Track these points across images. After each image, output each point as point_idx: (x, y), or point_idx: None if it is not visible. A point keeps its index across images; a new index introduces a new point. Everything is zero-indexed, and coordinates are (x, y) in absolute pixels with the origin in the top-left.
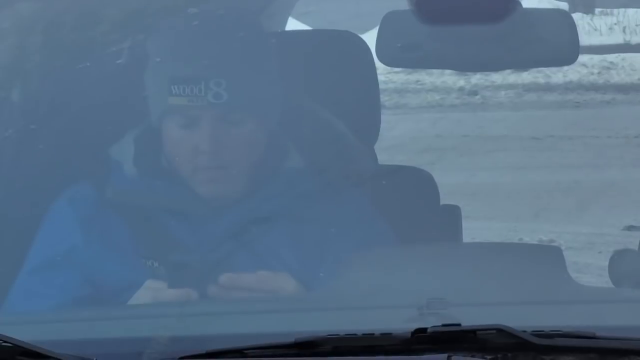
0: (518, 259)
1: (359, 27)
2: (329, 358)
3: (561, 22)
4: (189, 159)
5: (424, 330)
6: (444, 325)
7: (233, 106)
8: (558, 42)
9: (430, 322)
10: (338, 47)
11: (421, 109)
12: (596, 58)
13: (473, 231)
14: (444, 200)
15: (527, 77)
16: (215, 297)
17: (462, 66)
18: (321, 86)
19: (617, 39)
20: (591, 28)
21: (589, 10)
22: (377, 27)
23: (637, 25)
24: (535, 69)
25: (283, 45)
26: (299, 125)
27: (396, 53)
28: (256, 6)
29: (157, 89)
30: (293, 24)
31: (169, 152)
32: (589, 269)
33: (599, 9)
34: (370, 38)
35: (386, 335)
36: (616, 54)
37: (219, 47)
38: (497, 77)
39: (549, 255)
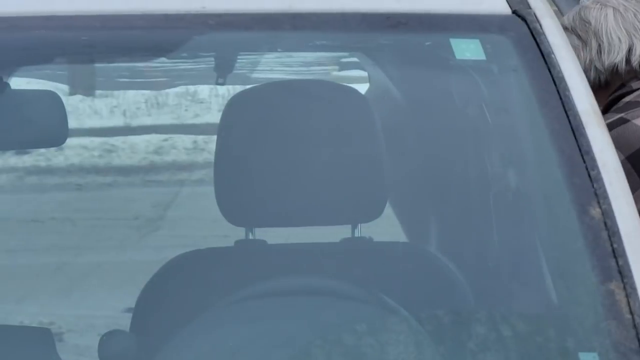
0: (17, 342)
1: None
2: None
3: (50, 103)
4: None
5: None
6: None
7: None
8: (47, 124)
9: None
10: None
11: None
12: (97, 140)
13: None
14: None
15: (28, 159)
16: None
17: None
18: None
19: (118, 121)
20: (92, 110)
21: (89, 92)
22: None
23: (137, 108)
24: (36, 152)
25: None
26: None
27: None
28: None
29: None
30: None
31: None
32: (89, 352)
33: (99, 91)
34: None
35: None
36: (117, 137)
37: None
38: None
39: (39, 338)
